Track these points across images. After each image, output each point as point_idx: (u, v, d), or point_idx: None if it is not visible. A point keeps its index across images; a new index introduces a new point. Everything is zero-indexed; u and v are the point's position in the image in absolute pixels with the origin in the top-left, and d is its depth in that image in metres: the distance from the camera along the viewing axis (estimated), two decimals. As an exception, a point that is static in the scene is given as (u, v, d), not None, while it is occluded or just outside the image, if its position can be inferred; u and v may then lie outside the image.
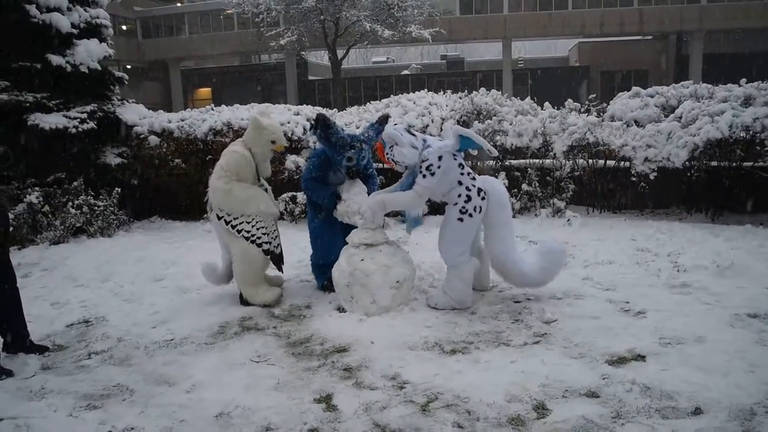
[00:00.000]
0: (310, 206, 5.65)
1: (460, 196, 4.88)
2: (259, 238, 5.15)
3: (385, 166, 5.29)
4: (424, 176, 4.75)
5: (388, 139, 4.82)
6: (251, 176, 5.22)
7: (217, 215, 5.18)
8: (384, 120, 5.43)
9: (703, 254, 6.09)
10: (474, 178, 4.98)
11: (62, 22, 9.34)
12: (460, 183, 4.89)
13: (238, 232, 5.13)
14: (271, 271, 5.58)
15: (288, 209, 8.88)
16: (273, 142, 5.24)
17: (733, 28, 33.96)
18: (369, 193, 5.25)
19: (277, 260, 5.36)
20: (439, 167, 4.75)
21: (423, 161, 4.76)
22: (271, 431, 3.25)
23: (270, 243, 5.21)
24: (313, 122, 5.29)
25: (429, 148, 4.80)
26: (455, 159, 4.90)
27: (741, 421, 3.08)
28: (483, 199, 4.93)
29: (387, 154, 4.85)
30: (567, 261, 5.48)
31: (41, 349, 4.45)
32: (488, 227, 5.06)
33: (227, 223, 5.13)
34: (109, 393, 3.79)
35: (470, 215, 4.87)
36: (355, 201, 5.12)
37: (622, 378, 3.59)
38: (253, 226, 5.14)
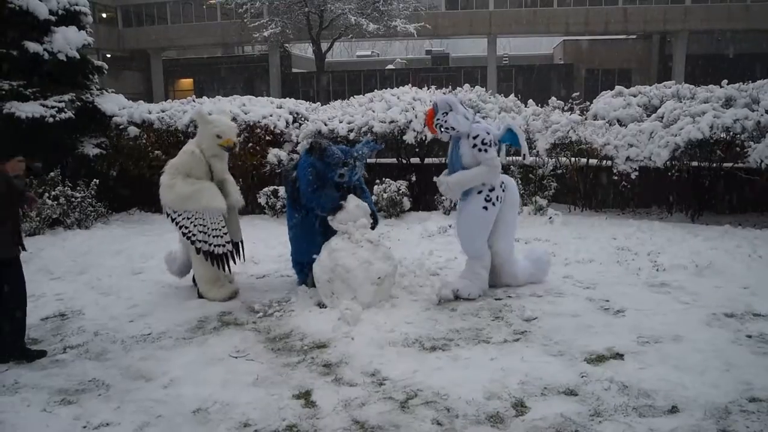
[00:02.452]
0: (289, 205, 5.50)
1: (485, 183, 5.00)
2: (194, 235, 5.04)
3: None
4: (486, 150, 4.89)
5: (443, 105, 4.94)
6: (203, 174, 5.13)
7: (166, 212, 5.17)
8: (382, 140, 5.50)
9: (683, 254, 6.15)
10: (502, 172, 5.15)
11: (40, 9, 9.16)
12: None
13: (179, 227, 5.08)
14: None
15: (269, 203, 8.81)
16: (218, 136, 5.10)
17: (716, 29, 34.31)
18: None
19: (216, 259, 5.10)
20: (491, 141, 4.90)
21: (474, 137, 4.89)
22: (250, 427, 3.23)
23: (206, 242, 5.05)
24: (306, 148, 5.20)
25: (477, 124, 4.94)
26: (496, 145, 5.03)
27: (716, 420, 3.11)
28: (503, 191, 5.10)
29: (437, 120, 4.95)
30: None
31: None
32: (497, 223, 5.18)
33: (172, 219, 5.10)
34: (84, 388, 3.73)
35: (493, 204, 5.03)
36: (350, 211, 4.99)
37: (601, 376, 3.61)
38: (191, 223, 5.05)
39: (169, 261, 5.62)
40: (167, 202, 5.10)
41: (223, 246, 5.12)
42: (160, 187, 5.14)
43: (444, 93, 5.14)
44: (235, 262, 5.35)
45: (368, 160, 5.28)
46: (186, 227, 5.06)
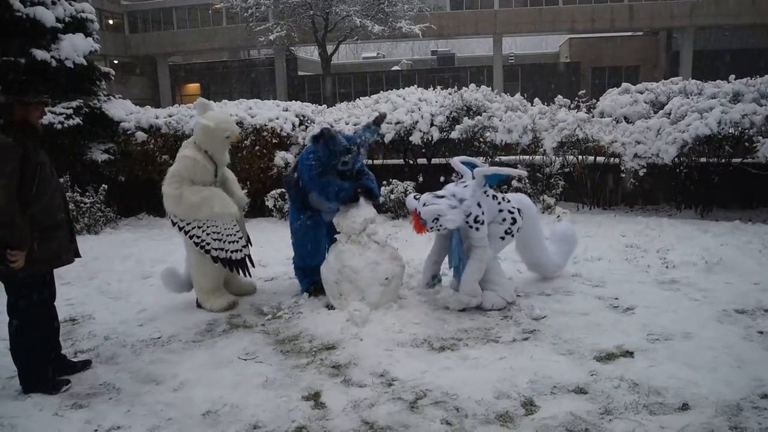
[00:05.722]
0: (292, 209, 5.39)
1: (504, 220, 4.94)
2: (208, 244, 4.93)
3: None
4: (477, 229, 4.70)
5: (429, 217, 4.58)
6: (208, 177, 5.00)
7: (172, 221, 5.03)
8: (380, 120, 5.33)
9: (692, 250, 6.11)
10: (509, 201, 5.03)
11: (46, 16, 9.22)
12: (500, 211, 4.93)
13: (190, 238, 4.95)
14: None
15: (277, 206, 8.83)
16: (227, 137, 5.04)
17: (723, 24, 34.13)
18: (367, 189, 5.08)
19: (236, 265, 5.04)
20: (483, 213, 4.73)
21: (467, 216, 4.66)
22: (259, 429, 3.23)
23: (222, 249, 4.96)
24: (314, 134, 4.97)
25: (465, 201, 4.65)
26: (487, 195, 4.84)
27: (728, 417, 3.09)
28: (521, 214, 5.05)
29: (431, 228, 4.67)
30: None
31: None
32: (524, 238, 5.25)
33: (180, 229, 4.97)
34: (95, 392, 3.75)
35: (512, 235, 5.01)
36: (351, 213, 4.92)
37: (610, 374, 3.59)
38: (203, 231, 4.93)
39: (166, 278, 5.34)
40: (177, 213, 4.94)
41: (240, 251, 5.03)
42: (164, 198, 4.96)
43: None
44: (253, 265, 5.21)
45: (375, 162, 5.24)
46: (198, 236, 4.93)
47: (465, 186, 4.77)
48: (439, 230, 4.72)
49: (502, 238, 4.97)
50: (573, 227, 5.79)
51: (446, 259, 5.18)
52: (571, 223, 6.03)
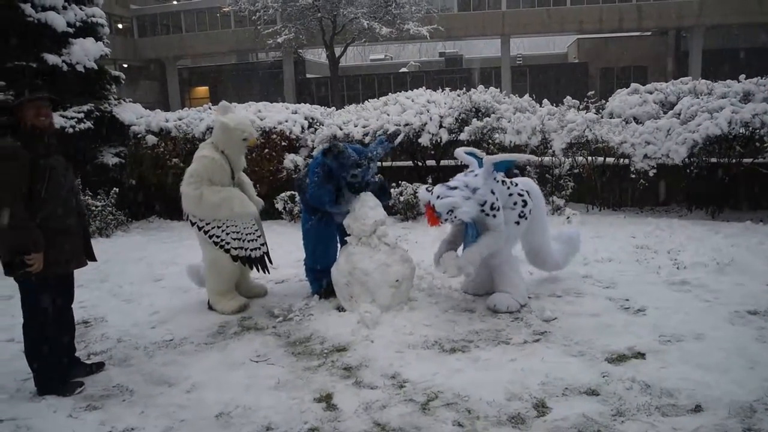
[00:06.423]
0: (305, 208, 5.48)
1: (516, 204, 4.93)
2: (228, 243, 4.99)
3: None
4: (494, 215, 4.69)
5: (444, 210, 4.53)
6: (226, 178, 5.06)
7: (191, 221, 5.07)
8: (394, 136, 5.38)
9: (703, 251, 6.08)
10: (517, 185, 5.03)
11: (58, 21, 9.32)
12: (510, 195, 4.93)
13: (210, 237, 5.00)
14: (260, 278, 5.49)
15: (287, 208, 8.86)
16: (245, 139, 5.11)
17: (732, 23, 33.90)
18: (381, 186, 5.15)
19: (256, 263, 5.12)
20: (497, 200, 4.73)
21: (482, 204, 4.64)
22: (272, 431, 3.25)
23: (242, 248, 5.03)
24: (324, 148, 5.04)
25: (478, 190, 4.64)
26: (496, 181, 4.83)
27: (741, 418, 3.08)
28: (532, 200, 5.05)
29: (446, 220, 4.62)
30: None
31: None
32: (532, 223, 5.17)
33: (200, 228, 5.01)
34: (108, 393, 3.78)
35: (525, 218, 4.98)
36: (362, 215, 4.93)
37: (622, 376, 3.59)
38: (223, 231, 4.99)
39: (191, 273, 5.52)
40: (197, 213, 4.98)
41: (260, 249, 5.11)
42: (183, 198, 5.00)
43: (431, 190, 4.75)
44: (272, 263, 5.27)
45: (384, 163, 5.25)
46: (218, 236, 4.99)
47: (475, 175, 4.75)
48: (453, 222, 4.71)
49: (518, 223, 4.94)
50: (579, 233, 5.80)
51: (460, 249, 5.14)
52: (578, 229, 6.00)
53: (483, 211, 4.65)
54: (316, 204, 5.17)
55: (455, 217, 4.54)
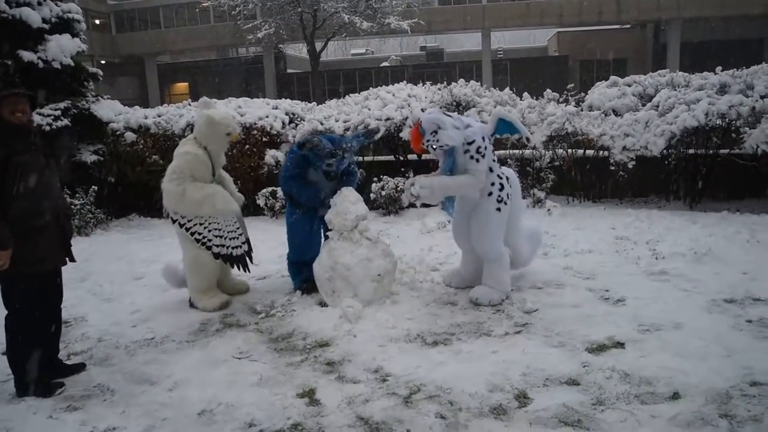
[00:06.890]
0: (289, 201, 5.49)
1: (493, 184, 4.78)
2: (209, 240, 4.96)
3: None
4: (477, 159, 4.58)
5: (429, 125, 4.52)
6: (207, 174, 5.03)
7: (172, 219, 5.03)
8: (371, 134, 5.54)
9: (681, 241, 6.16)
10: (501, 167, 4.99)
11: (33, 17, 9.14)
12: (491, 170, 4.80)
13: (192, 234, 4.96)
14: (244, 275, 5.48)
15: (268, 204, 8.82)
16: (228, 134, 5.09)
17: (709, 16, 34.26)
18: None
19: (236, 261, 5.09)
20: (486, 147, 4.63)
21: (469, 143, 4.56)
22: (255, 427, 3.25)
23: (224, 246, 5.00)
24: (299, 141, 5.14)
25: (470, 128, 4.61)
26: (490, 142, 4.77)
27: (718, 405, 3.13)
28: (510, 186, 4.94)
29: (428, 141, 4.56)
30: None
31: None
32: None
33: (181, 226, 4.97)
34: (89, 393, 3.75)
35: (505, 203, 4.83)
36: (345, 208, 4.91)
37: (602, 365, 3.63)
38: (205, 228, 4.95)
39: (167, 275, 5.43)
40: (179, 210, 4.94)
41: (241, 247, 5.09)
42: (165, 195, 4.94)
43: (425, 110, 4.78)
44: (252, 261, 5.24)
45: (366, 158, 5.28)
46: (200, 233, 4.96)
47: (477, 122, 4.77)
48: (434, 148, 4.61)
49: (498, 210, 4.78)
50: (541, 228, 5.70)
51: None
52: (539, 222, 5.92)
53: (468, 151, 4.60)
54: (286, 189, 5.30)
55: (437, 140, 4.51)
